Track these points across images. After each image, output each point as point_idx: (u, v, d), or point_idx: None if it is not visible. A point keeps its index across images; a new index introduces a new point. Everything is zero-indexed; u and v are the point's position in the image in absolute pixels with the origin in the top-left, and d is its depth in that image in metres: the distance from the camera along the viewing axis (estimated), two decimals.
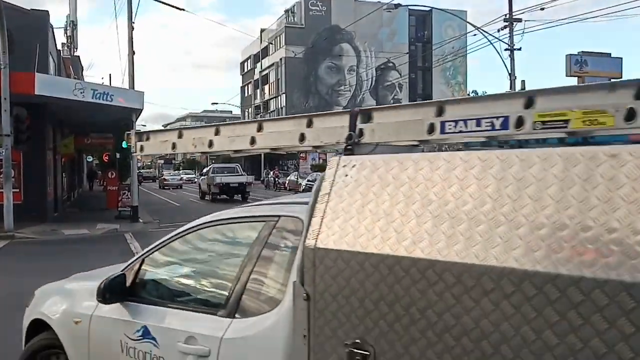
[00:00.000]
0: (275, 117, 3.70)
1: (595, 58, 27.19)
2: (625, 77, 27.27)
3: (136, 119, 20.06)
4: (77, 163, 40.94)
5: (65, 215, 22.43)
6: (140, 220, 19.39)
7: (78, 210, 25.10)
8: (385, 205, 2.02)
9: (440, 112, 2.20)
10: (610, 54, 28.29)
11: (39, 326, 4.07)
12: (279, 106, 64.96)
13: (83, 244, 14.78)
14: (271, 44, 66.24)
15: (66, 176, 29.90)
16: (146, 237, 15.89)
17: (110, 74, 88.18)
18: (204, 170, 39.67)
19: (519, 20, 24.11)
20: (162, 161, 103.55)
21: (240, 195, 30.98)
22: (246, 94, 78.73)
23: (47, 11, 22.17)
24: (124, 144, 18.35)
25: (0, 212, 15.79)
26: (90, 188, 44.73)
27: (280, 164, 62.24)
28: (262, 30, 68.87)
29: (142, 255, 3.56)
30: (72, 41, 36.92)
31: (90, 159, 54.67)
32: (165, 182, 52.45)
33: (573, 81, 26.88)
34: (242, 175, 33.53)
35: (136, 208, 19.78)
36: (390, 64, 62.63)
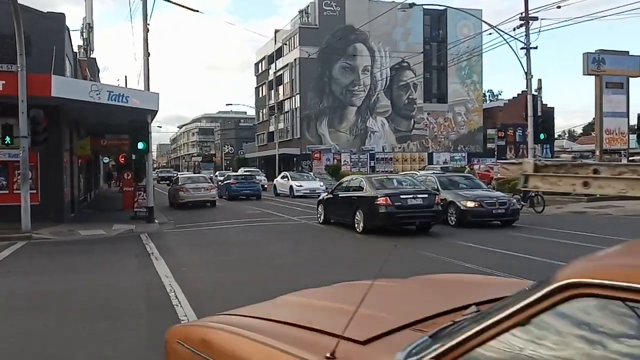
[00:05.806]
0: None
1: (613, 56, 26.71)
2: None
3: (151, 120, 20.14)
4: (94, 164, 41.31)
5: (82, 216, 22.60)
6: (156, 221, 19.46)
7: (94, 211, 25.28)
8: None
9: None
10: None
11: None
12: (293, 107, 64.98)
13: (99, 245, 14.85)
14: (285, 44, 66.19)
15: (83, 177, 30.14)
16: (161, 237, 15.95)
17: (125, 76, 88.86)
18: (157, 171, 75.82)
19: (535, 18, 23.85)
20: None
21: (169, 182, 56.11)
22: (260, 95, 78.84)
23: (64, 14, 22.21)
24: (139, 145, 18.42)
25: (17, 213, 15.94)
26: (109, 186, 54.49)
27: (295, 164, 62.26)
28: (276, 31, 68.88)
29: None
30: (88, 43, 37.17)
31: (106, 160, 55.30)
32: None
33: (590, 80, 26.53)
34: (173, 174, 62.05)
35: (152, 209, 19.85)
36: (405, 64, 62.27)
